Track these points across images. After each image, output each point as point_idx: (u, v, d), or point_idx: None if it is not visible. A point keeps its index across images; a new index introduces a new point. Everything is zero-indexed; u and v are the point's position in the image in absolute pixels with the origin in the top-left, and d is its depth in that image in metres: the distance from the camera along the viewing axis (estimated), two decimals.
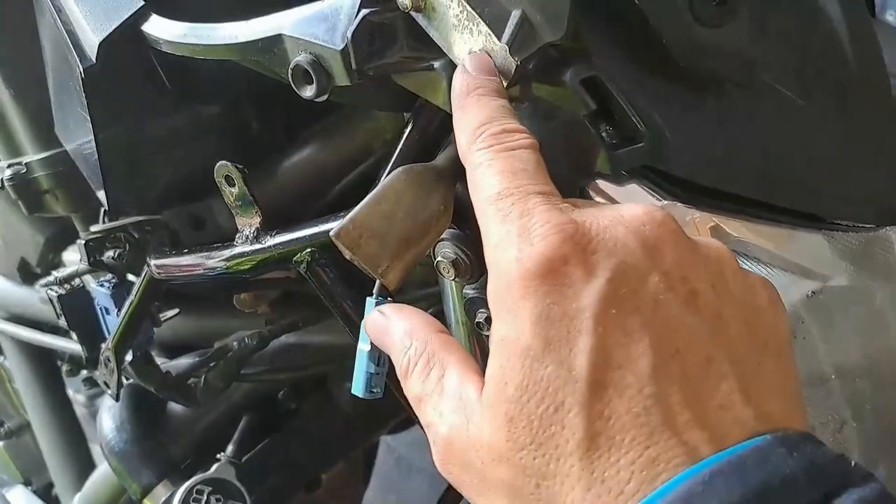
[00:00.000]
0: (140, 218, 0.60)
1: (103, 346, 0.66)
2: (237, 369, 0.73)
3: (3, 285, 0.97)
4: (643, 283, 0.27)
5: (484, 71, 0.33)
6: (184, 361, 0.74)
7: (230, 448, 0.75)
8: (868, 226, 0.40)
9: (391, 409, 0.80)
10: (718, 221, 0.38)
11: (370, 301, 0.39)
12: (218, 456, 0.74)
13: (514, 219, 0.29)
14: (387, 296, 0.39)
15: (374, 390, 0.39)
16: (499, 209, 0.29)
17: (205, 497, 0.69)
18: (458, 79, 0.33)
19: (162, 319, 0.68)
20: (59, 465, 1.04)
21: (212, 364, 0.72)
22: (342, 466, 0.98)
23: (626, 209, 0.29)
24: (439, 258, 0.39)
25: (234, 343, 0.73)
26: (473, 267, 0.39)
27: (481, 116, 0.32)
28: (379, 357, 0.39)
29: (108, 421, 0.77)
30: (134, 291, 0.62)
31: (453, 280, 0.40)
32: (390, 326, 0.35)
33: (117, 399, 0.68)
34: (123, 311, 0.63)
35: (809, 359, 0.41)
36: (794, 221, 0.40)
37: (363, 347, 0.39)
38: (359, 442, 0.92)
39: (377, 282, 0.38)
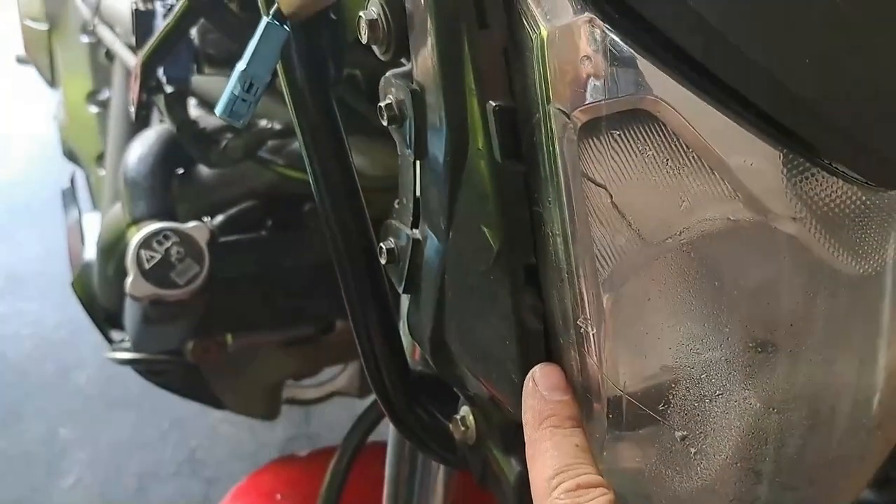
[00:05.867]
0: None
1: (136, 58, 0.66)
2: (256, 147, 0.72)
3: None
4: None
5: (556, 390, 0.32)
6: (212, 120, 0.74)
7: (219, 219, 0.75)
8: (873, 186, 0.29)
9: None
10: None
11: (264, 21, 0.34)
12: (204, 219, 0.74)
13: None
14: (283, 21, 0.34)
15: (236, 114, 0.35)
16: None
17: (168, 244, 0.69)
18: (529, 402, 0.32)
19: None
20: None
21: (235, 133, 0.72)
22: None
23: None
24: (361, 14, 0.34)
25: (261, 123, 0.72)
26: (391, 36, 0.33)
27: (556, 462, 0.31)
28: (251, 85, 0.34)
29: (135, 149, 0.78)
30: (175, 9, 0.61)
31: (367, 43, 0.34)
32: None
33: (134, 115, 0.69)
34: (160, 29, 0.63)
35: None
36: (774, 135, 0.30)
37: (240, 66, 0.35)
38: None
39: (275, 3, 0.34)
